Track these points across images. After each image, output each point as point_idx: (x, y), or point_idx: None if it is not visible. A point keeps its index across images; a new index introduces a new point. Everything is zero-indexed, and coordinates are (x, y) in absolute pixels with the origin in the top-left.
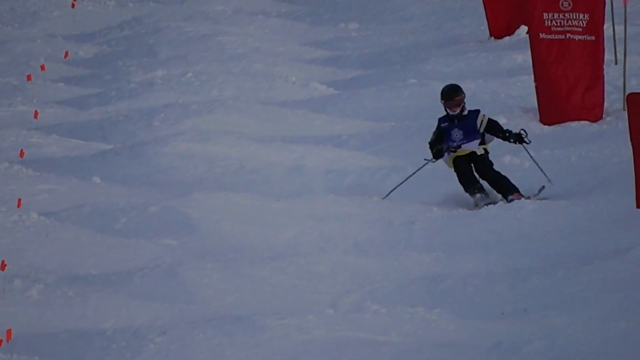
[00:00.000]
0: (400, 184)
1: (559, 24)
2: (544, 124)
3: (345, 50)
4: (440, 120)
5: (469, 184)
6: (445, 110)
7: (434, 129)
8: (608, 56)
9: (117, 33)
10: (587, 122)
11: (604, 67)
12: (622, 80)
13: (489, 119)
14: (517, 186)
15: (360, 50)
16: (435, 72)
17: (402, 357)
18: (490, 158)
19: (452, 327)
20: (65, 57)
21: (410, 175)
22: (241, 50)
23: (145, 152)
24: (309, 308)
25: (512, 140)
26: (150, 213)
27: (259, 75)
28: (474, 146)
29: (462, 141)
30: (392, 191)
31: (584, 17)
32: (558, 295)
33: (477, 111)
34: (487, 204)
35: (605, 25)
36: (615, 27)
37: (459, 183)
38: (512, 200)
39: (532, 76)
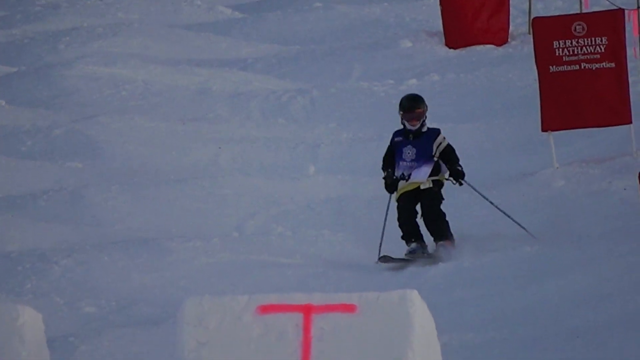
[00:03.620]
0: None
1: None
2: (450, 48)
3: None
4: (395, 134)
5: (409, 234)
6: (402, 123)
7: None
8: None
9: None
10: (492, 46)
11: None
12: (528, 4)
13: (448, 145)
14: (453, 235)
15: None
16: None
17: (307, 279)
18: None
19: (357, 250)
20: None
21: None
22: None
23: (51, 75)
24: (214, 231)
25: (451, 177)
26: (56, 136)
27: None
28: (423, 176)
29: (413, 165)
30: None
31: None
32: (461, 219)
33: (438, 131)
34: (419, 257)
35: None
36: None
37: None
38: (441, 245)
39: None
